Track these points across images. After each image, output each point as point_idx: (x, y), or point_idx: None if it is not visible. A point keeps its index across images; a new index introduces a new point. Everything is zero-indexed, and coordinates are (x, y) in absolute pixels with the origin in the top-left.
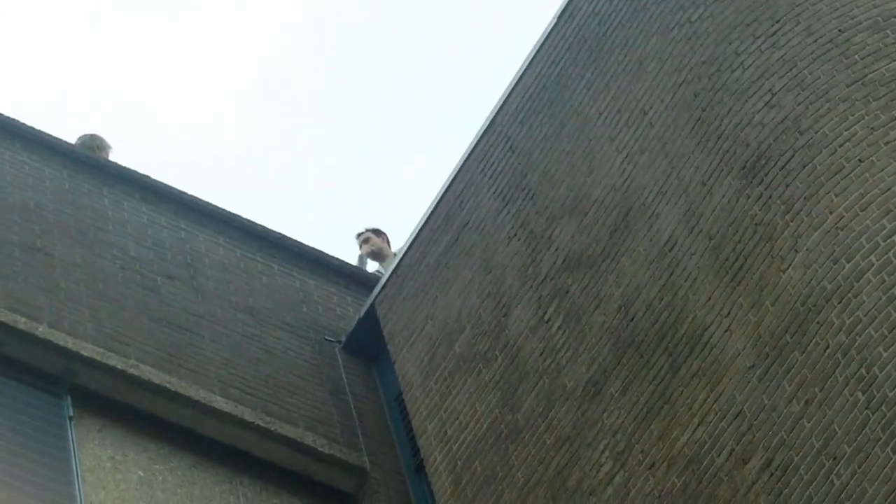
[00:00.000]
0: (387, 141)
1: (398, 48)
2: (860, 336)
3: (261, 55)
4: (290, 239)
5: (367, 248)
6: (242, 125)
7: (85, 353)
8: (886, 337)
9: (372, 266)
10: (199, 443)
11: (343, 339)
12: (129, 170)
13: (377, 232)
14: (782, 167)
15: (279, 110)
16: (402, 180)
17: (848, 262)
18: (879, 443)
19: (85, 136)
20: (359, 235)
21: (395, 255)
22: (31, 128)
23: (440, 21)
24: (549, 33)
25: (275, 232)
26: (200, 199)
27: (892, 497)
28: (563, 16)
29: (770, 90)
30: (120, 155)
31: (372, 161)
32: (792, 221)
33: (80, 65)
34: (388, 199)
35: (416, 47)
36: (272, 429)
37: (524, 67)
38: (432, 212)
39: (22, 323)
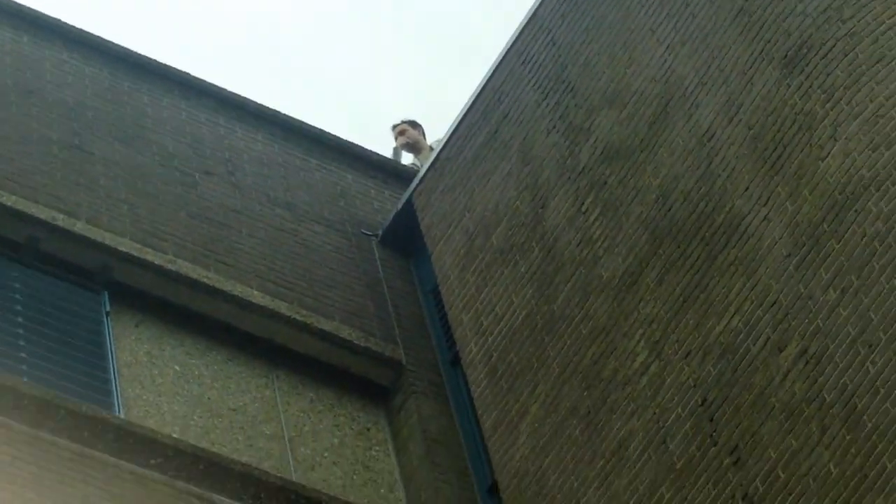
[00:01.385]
0: (426, 34)
1: None
2: None
3: None
4: (329, 133)
5: (402, 139)
6: (284, 18)
7: (122, 249)
8: None
9: (407, 158)
10: (236, 337)
11: (380, 232)
12: (168, 67)
13: (413, 124)
14: (823, 56)
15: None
16: (441, 73)
17: (887, 151)
18: None
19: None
20: (394, 127)
21: (430, 147)
22: (73, 26)
23: None
24: None
25: (313, 126)
26: (239, 95)
27: None
28: None
29: None
30: (160, 51)
31: (411, 54)
32: (832, 110)
33: None
34: (428, 92)
35: None
36: (308, 322)
37: None
38: (471, 105)
39: (60, 220)
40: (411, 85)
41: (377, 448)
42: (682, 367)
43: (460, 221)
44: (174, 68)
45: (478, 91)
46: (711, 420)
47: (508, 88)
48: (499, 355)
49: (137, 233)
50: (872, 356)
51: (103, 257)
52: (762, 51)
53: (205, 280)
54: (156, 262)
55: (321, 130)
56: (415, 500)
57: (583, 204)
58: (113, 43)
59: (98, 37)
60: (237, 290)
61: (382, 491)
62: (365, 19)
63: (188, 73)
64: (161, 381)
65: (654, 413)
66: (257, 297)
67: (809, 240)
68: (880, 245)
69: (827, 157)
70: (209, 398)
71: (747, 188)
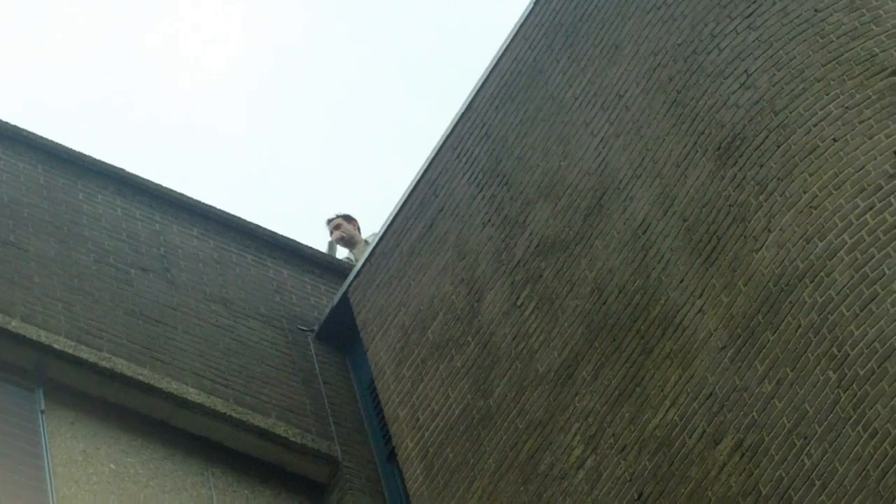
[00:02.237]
0: (361, 128)
1: (374, 36)
2: (832, 315)
3: (232, 42)
4: (264, 229)
5: (337, 234)
6: (214, 116)
7: (57, 347)
8: (858, 315)
9: (342, 252)
10: (172, 434)
11: (316, 328)
12: (103, 163)
13: (348, 218)
14: (757, 147)
15: (253, 100)
16: (377, 168)
17: (821, 241)
18: (850, 421)
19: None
20: (329, 221)
21: (365, 241)
22: (6, 122)
23: (416, 7)
24: (526, 18)
25: (248, 222)
26: (174, 191)
27: (863, 476)
28: (540, 1)
29: (745, 71)
30: (94, 147)
31: (346, 148)
32: (766, 202)
33: (50, 60)
34: (362, 187)
35: (391, 35)
36: (244, 419)
37: (501, 52)
38: (407, 199)
39: None
40: (348, 179)
41: None
42: (619, 460)
43: (396, 316)
44: (109, 164)
45: (413, 184)
46: None
47: (444, 181)
48: (435, 450)
49: (73, 330)
50: (808, 448)
51: (38, 355)
52: (696, 143)
53: (140, 377)
54: (91, 360)
55: (256, 225)
56: None
57: (518, 297)
58: (47, 139)
59: (32, 133)
60: (173, 387)
61: None
62: (302, 114)
63: (123, 169)
64: (97, 480)
65: None
66: (193, 394)
67: (744, 332)
68: (815, 336)
69: (761, 248)
70: (145, 496)
71: (682, 280)
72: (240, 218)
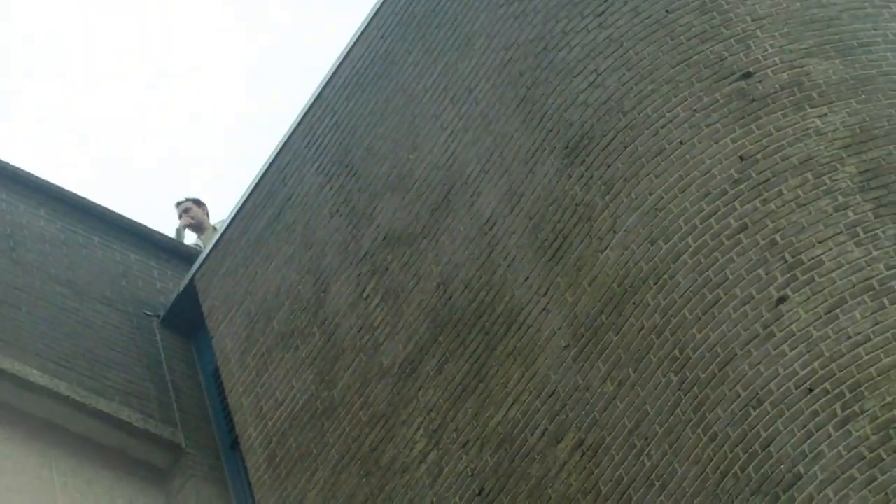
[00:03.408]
0: (213, 113)
1: (228, 20)
2: (675, 317)
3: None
4: (112, 212)
5: (186, 218)
6: (69, 98)
7: None
8: (700, 319)
9: (190, 238)
10: (14, 416)
11: (162, 313)
12: None
13: (198, 202)
14: (604, 148)
15: (110, 83)
16: (228, 154)
17: (665, 244)
18: (690, 424)
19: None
20: (178, 204)
21: (214, 227)
22: None
23: None
24: (380, 6)
25: (96, 204)
26: (21, 170)
27: (701, 478)
28: None
29: (595, 70)
30: None
31: (197, 134)
32: (612, 202)
33: None
34: (211, 173)
35: (247, 22)
36: (87, 403)
37: (353, 42)
38: (255, 186)
39: None
40: (201, 164)
41: None
42: (461, 455)
43: (242, 304)
44: None
45: (262, 171)
46: None
47: (293, 170)
48: (278, 440)
49: None
50: (648, 449)
51: None
52: (544, 140)
53: None
54: None
55: (104, 208)
56: None
57: (364, 290)
58: None
59: None
60: (16, 368)
61: None
62: (157, 98)
63: None
64: None
65: (432, 501)
66: (36, 376)
67: (588, 331)
68: (657, 338)
69: (606, 248)
70: None
71: (527, 278)
72: (88, 200)
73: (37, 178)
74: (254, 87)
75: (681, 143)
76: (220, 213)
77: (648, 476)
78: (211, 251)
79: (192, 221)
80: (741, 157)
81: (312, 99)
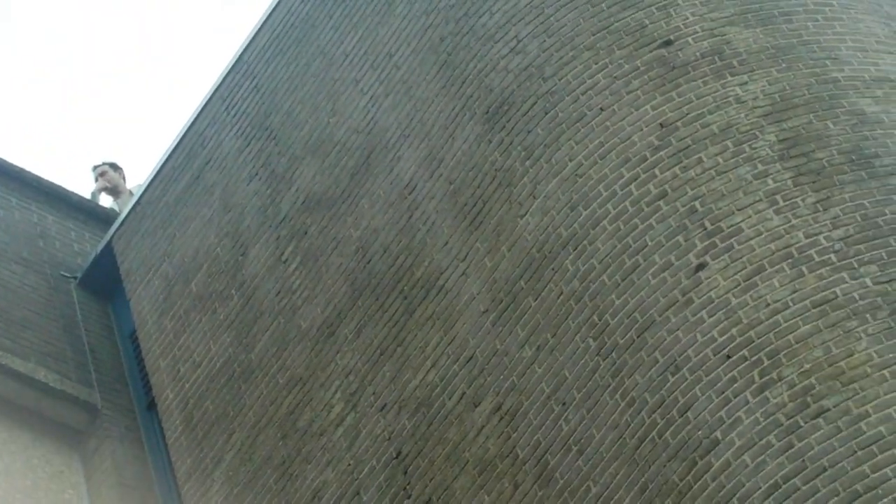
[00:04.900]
0: (133, 76)
1: None
2: (594, 283)
3: None
4: (28, 172)
5: (102, 181)
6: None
7: None
8: (619, 285)
9: (106, 201)
10: None
11: (79, 275)
12: None
13: (114, 166)
14: (524, 114)
15: (16, 38)
16: (146, 116)
17: (585, 210)
18: (608, 389)
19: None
20: (95, 168)
21: (130, 192)
22: None
23: None
24: None
25: (13, 165)
26: None
27: (619, 443)
28: None
29: (516, 36)
30: None
31: (116, 95)
32: (531, 168)
33: None
34: (131, 135)
35: None
36: (3, 362)
37: (273, 6)
38: (174, 149)
39: None
40: (120, 127)
41: (70, 491)
42: (378, 419)
43: (160, 267)
44: None
45: (181, 134)
46: (405, 473)
47: (212, 133)
48: (195, 402)
49: None
50: (566, 414)
51: None
52: (464, 106)
53: None
54: None
55: (21, 169)
56: None
57: (283, 253)
58: None
59: None
60: None
61: None
62: (77, 58)
63: None
64: None
65: (349, 465)
66: None
67: (507, 296)
68: (576, 304)
69: (526, 214)
70: None
71: (447, 243)
72: (4, 160)
73: None
74: (167, 44)
75: (601, 109)
76: (138, 178)
77: (566, 441)
78: (129, 213)
79: (108, 185)
80: (661, 125)
81: (232, 63)
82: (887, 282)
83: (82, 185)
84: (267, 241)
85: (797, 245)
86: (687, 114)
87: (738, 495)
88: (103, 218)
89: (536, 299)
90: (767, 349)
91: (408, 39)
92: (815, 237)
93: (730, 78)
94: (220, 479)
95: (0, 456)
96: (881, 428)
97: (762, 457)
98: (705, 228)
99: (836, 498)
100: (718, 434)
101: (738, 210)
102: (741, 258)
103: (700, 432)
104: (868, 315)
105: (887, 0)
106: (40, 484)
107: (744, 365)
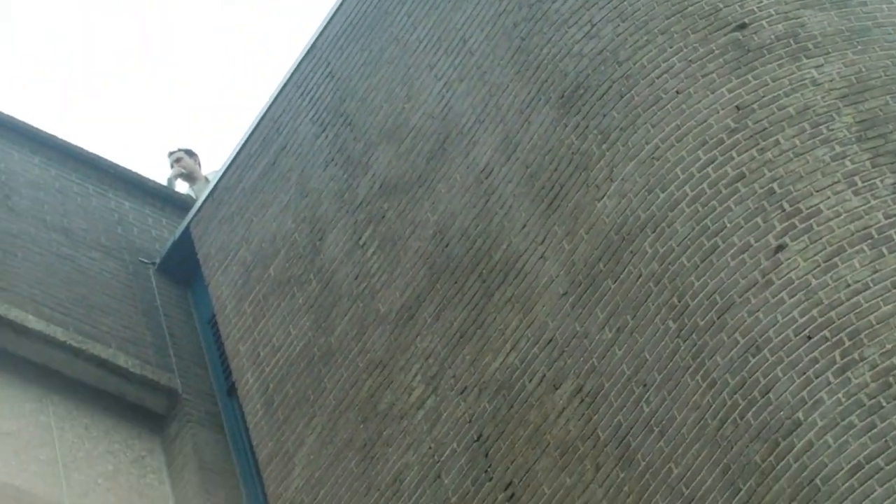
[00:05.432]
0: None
1: None
2: (672, 265)
3: None
4: (105, 160)
5: (178, 168)
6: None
7: None
8: (699, 266)
9: (181, 187)
10: (10, 362)
11: (157, 260)
12: None
13: (189, 153)
14: (600, 97)
15: (97, 23)
16: (221, 104)
17: (662, 192)
18: (689, 370)
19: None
20: (171, 154)
21: (206, 178)
22: None
23: None
24: None
25: (91, 153)
26: (15, 118)
27: (700, 424)
28: None
29: (590, 21)
30: None
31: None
32: (608, 151)
33: None
34: (207, 122)
35: None
36: (84, 348)
37: None
38: (250, 136)
39: None
40: (193, 112)
41: (152, 476)
42: (459, 402)
43: (238, 252)
44: None
45: (256, 121)
46: (486, 455)
47: (287, 120)
48: (275, 386)
49: None
50: (647, 395)
51: None
52: (539, 90)
53: None
54: None
55: (98, 156)
56: None
57: (361, 237)
58: None
59: None
60: (12, 314)
61: None
62: (149, 48)
63: None
64: None
65: (430, 447)
66: (32, 322)
67: (586, 279)
68: (655, 286)
69: (603, 197)
70: None
71: (524, 226)
72: (82, 148)
73: (31, 126)
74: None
75: (677, 92)
76: (213, 165)
77: (647, 422)
78: (206, 199)
79: (184, 171)
80: (737, 107)
81: (306, 49)
82: None
83: (159, 172)
84: (344, 226)
85: (877, 225)
86: (763, 96)
87: (820, 476)
88: (179, 204)
89: (616, 281)
90: (848, 330)
91: (481, 25)
92: (894, 218)
93: (805, 60)
94: (301, 463)
95: (82, 441)
96: None
97: (844, 437)
98: (784, 210)
99: None
100: (800, 415)
101: (817, 191)
102: (820, 239)
103: (782, 413)
104: None
105: None
106: (122, 469)
107: (825, 346)
